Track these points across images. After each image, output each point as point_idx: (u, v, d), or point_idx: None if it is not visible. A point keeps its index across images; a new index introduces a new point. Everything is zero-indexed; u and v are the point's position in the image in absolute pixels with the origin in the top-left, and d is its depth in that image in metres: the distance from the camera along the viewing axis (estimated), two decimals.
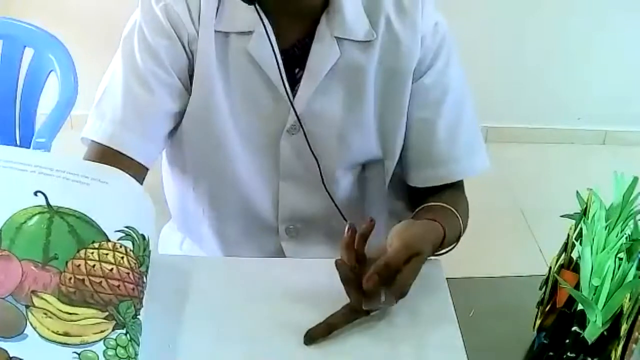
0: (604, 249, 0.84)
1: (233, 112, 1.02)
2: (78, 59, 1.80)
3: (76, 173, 0.84)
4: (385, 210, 1.16)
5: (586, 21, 2.77)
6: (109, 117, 0.98)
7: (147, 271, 0.84)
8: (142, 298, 0.82)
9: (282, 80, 0.98)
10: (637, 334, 0.83)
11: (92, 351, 0.76)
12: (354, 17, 0.99)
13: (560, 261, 0.92)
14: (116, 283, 0.80)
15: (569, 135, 3.02)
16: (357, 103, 1.04)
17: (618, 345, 0.83)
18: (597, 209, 0.89)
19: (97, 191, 0.84)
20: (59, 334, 0.76)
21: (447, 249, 1.00)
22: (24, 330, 0.76)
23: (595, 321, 0.83)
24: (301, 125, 1.02)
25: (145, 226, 0.85)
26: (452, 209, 1.03)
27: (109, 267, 0.80)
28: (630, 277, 0.81)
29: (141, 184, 0.94)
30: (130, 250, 0.82)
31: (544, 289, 0.94)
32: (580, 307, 0.86)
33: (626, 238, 0.86)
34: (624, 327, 0.82)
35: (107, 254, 0.81)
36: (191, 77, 1.00)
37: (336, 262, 0.86)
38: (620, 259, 0.84)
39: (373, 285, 0.84)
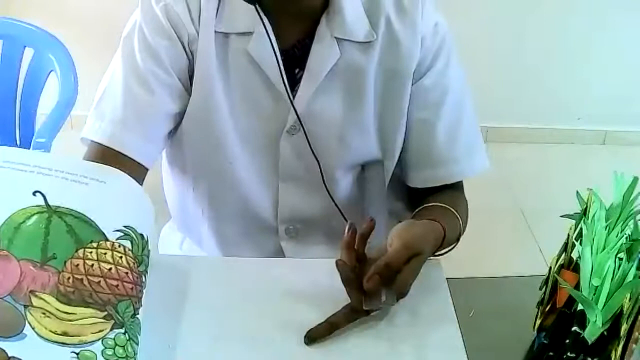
0: (604, 249, 0.84)
1: (233, 113, 1.02)
2: (78, 59, 1.80)
3: (75, 173, 0.84)
4: (385, 210, 1.16)
5: (586, 21, 2.77)
6: (108, 117, 0.98)
7: (146, 271, 0.84)
8: (140, 298, 0.82)
9: (282, 81, 0.98)
10: (637, 334, 0.83)
11: (90, 351, 0.76)
12: (354, 17, 0.99)
13: (560, 261, 0.92)
14: (115, 283, 0.80)
15: (569, 135, 3.02)
16: (357, 103, 1.04)
17: (618, 345, 0.83)
18: (597, 209, 0.89)
19: (96, 191, 0.84)
20: (58, 334, 0.76)
21: (447, 249, 1.00)
22: (22, 330, 0.75)
23: (595, 321, 0.83)
24: (302, 126, 1.02)
25: (144, 226, 0.85)
26: (452, 209, 1.03)
27: (108, 266, 0.80)
28: (630, 277, 0.81)
29: (141, 184, 0.94)
30: (129, 249, 0.82)
31: (544, 289, 0.94)
32: (580, 307, 0.85)
33: (626, 238, 0.86)
34: (624, 327, 0.82)
35: (105, 254, 0.81)
36: (191, 77, 1.00)
37: (337, 262, 0.86)
38: (620, 259, 0.84)
39: (373, 285, 0.84)
